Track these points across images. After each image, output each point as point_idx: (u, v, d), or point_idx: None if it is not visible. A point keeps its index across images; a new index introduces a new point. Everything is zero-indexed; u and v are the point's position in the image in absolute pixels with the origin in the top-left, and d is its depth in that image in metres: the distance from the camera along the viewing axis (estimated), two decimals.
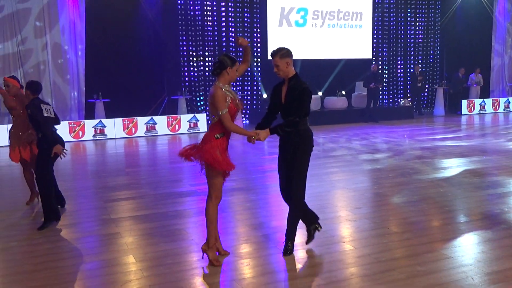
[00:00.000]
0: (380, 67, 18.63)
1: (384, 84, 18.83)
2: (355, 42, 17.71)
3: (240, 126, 4.60)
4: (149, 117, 14.08)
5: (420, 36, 19.28)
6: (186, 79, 15.62)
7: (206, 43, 15.70)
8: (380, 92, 18.33)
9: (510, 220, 5.55)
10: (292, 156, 4.46)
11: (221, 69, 4.31)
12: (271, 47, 16.29)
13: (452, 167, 8.63)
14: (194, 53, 15.55)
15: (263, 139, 4.40)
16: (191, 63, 15.58)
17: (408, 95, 18.94)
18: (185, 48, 15.46)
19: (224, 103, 4.23)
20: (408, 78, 18.99)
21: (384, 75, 18.86)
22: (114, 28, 14.66)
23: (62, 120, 13.62)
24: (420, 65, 18.90)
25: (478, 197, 6.45)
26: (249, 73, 16.50)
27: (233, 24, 16.02)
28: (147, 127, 13.97)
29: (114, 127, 13.62)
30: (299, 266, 4.41)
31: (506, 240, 4.92)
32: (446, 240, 4.95)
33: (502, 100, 19.46)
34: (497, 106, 19.18)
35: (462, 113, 18.20)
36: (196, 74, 15.69)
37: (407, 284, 3.97)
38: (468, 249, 4.66)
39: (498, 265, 4.30)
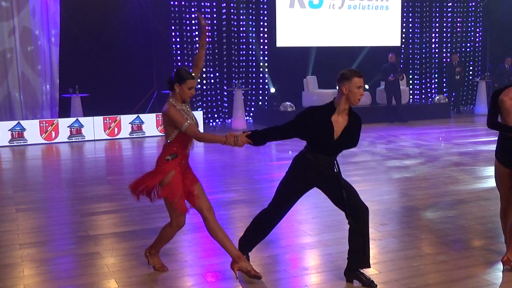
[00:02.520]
0: (410, 56, 18.62)
1: (416, 76, 18.80)
2: (380, 27, 17.70)
3: (208, 133, 4.84)
4: (135, 116, 14.12)
5: (458, 20, 19.25)
6: None
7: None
8: (410, 87, 18.32)
9: None
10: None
11: (170, 83, 4.51)
12: (281, 32, 16.39)
13: None
14: (189, 40, 15.58)
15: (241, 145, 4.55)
16: (185, 52, 15.61)
17: (444, 90, 18.89)
18: (178, 34, 15.49)
19: (181, 117, 4.41)
20: (444, 70, 18.96)
21: (416, 66, 18.85)
22: (94, 10, 14.73)
23: (32, 118, 13.76)
24: (458, 54, 18.86)
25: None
26: (254, 64, 16.53)
27: (235, 5, 16.04)
28: (132, 127, 14.00)
29: (93, 127, 13.66)
30: None
31: None
32: (489, 263, 4.93)
33: None
34: None
35: None
36: (191, 64, 15.69)
37: None
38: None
39: None
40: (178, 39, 15.53)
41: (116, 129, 13.84)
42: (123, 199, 7.64)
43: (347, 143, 4.44)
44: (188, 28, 15.56)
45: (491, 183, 8.09)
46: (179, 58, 15.61)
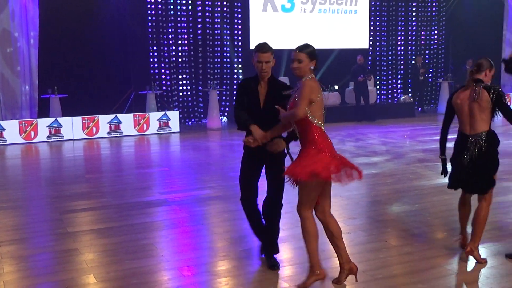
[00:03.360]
0: (377, 58, 18.80)
1: (382, 77, 18.98)
2: (349, 30, 17.83)
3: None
4: (113, 115, 13.99)
5: (423, 23, 19.48)
6: (156, 71, 15.56)
7: (179, 30, 15.67)
8: (378, 87, 18.50)
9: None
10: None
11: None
12: (254, 35, 16.40)
13: None
14: (166, 42, 15.48)
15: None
16: (162, 53, 15.52)
17: (409, 90, 19.11)
18: (155, 36, 15.39)
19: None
20: (409, 71, 19.17)
21: (383, 68, 19.03)
22: (72, 13, 14.53)
23: (11, 119, 13.54)
24: (422, 56, 19.09)
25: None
26: (228, 65, 16.51)
27: (210, 9, 15.99)
28: (110, 127, 13.88)
29: (72, 126, 13.50)
30: (285, 285, 4.43)
31: None
32: (451, 254, 5.01)
33: None
34: (509, 102, 19.50)
35: None
36: (167, 66, 15.64)
37: None
38: (475, 264, 4.72)
39: (509, 281, 4.37)
40: (155, 41, 15.43)
41: (94, 129, 13.69)
42: (101, 196, 7.58)
43: (271, 111, 4.30)
44: (165, 30, 15.46)
45: None
46: (155, 59, 15.51)
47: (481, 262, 4.62)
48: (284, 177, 4.40)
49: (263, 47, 4.45)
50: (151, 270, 4.77)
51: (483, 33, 19.52)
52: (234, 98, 4.62)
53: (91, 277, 4.62)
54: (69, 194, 7.72)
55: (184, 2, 15.63)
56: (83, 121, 13.57)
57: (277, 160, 4.55)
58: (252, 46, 16.41)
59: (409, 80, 19.19)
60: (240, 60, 16.55)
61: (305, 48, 4.15)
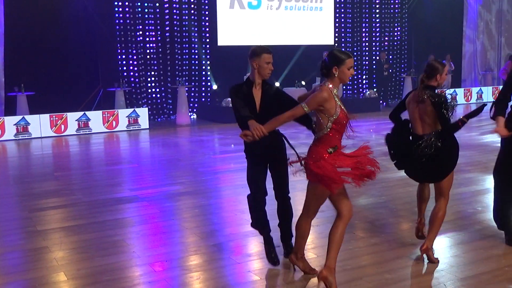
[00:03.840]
0: None
1: None
2: (315, 27, 17.91)
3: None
4: (81, 113, 13.78)
5: (386, 20, 19.71)
6: (124, 68, 15.37)
7: (147, 27, 15.50)
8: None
9: (484, 220, 5.76)
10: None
11: (326, 69, 4.05)
12: (222, 32, 16.35)
13: None
14: (134, 39, 15.30)
15: None
16: (130, 50, 15.33)
17: (374, 85, 19.33)
18: (122, 34, 15.19)
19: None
20: (374, 67, 19.39)
21: None
22: (39, 10, 14.24)
23: None
24: (386, 52, 19.33)
25: (450, 196, 6.66)
26: (197, 62, 16.41)
27: (177, 6, 15.86)
28: (79, 124, 13.66)
29: (40, 124, 13.24)
30: (256, 278, 4.42)
31: (480, 242, 5.11)
32: (417, 244, 5.08)
33: (475, 90, 20.20)
34: (469, 97, 19.90)
35: None
36: (136, 63, 15.46)
37: None
38: (440, 253, 4.80)
39: (472, 269, 4.45)
40: (122, 39, 15.23)
41: (62, 126, 13.45)
42: (71, 194, 7.45)
43: (268, 114, 4.23)
44: (132, 28, 15.27)
45: None
46: (123, 57, 15.31)
47: (433, 262, 4.60)
48: (287, 171, 4.47)
49: (267, 49, 4.45)
50: (122, 266, 4.71)
51: (444, 30, 19.88)
52: (231, 105, 4.45)
53: (61, 275, 4.53)
54: (38, 192, 7.57)
55: (151, 0, 15.46)
56: (51, 118, 13.32)
57: (279, 155, 4.53)
58: (220, 43, 16.38)
59: (374, 76, 19.41)
60: (208, 57, 16.48)
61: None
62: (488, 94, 20.11)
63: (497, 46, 21.91)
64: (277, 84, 16.89)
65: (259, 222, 4.69)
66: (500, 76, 21.13)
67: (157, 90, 15.99)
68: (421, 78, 4.68)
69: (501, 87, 20.35)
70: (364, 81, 19.74)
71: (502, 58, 21.83)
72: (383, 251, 4.94)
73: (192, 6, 16.13)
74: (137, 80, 15.58)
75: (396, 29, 19.94)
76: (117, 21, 15.07)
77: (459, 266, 4.47)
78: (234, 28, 16.51)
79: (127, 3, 15.13)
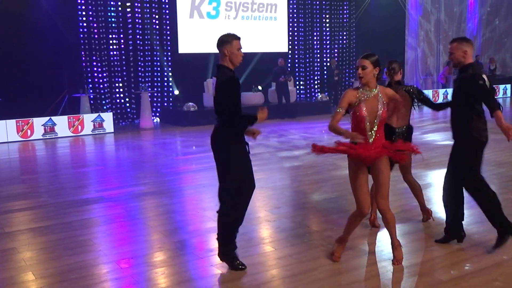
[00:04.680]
0: (296, 61, 19.10)
1: (301, 78, 19.31)
2: (270, 35, 17.99)
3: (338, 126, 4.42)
4: (47, 118, 13.43)
5: (335, 29, 19.98)
6: (89, 75, 15.06)
7: (111, 36, 15.24)
8: (297, 87, 18.81)
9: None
10: None
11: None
12: (182, 40, 16.24)
13: None
14: (98, 47, 15.02)
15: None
16: (94, 57, 15.05)
17: (325, 89, 19.56)
18: (86, 42, 14.89)
19: (341, 101, 4.34)
20: (325, 72, 19.63)
21: (301, 69, 19.36)
22: (2, 16, 13.79)
23: None
24: (336, 59, 19.60)
25: (396, 191, 6.80)
26: (159, 68, 16.24)
27: (140, 15, 15.67)
28: (45, 129, 13.31)
29: (6, 129, 12.84)
30: (217, 271, 4.41)
31: (422, 233, 5.25)
32: (366, 235, 5.18)
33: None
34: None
35: None
36: (100, 70, 15.18)
37: (329, 283, 4.11)
38: (387, 243, 4.88)
39: (416, 258, 4.57)
40: (87, 46, 14.92)
41: (29, 131, 13.09)
42: (38, 196, 7.26)
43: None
44: (96, 36, 14.98)
45: None
46: (88, 64, 15.01)
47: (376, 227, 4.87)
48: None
49: (236, 35, 4.48)
50: (89, 264, 4.62)
51: (388, 38, 20.32)
52: (230, 101, 4.26)
53: (30, 275, 4.41)
54: (5, 195, 7.33)
55: (114, 9, 15.21)
56: (17, 124, 12.93)
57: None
58: (181, 50, 16.28)
59: (325, 81, 19.64)
60: (169, 64, 16.34)
61: (370, 56, 4.27)
62: (429, 97, 20.60)
63: (436, 53, 22.53)
64: None
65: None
66: (439, 80, 21.78)
67: (121, 95, 15.74)
68: (389, 75, 5.21)
69: (440, 89, 20.87)
70: (316, 86, 19.96)
71: (441, 63, 22.48)
72: None
73: (154, 15, 15.96)
74: (101, 86, 15.30)
75: (344, 37, 20.24)
76: (81, 29, 14.75)
77: (405, 254, 4.57)
78: (194, 36, 16.41)
79: (90, 13, 14.85)
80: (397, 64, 5.30)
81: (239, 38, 4.44)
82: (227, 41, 4.37)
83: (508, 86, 22.22)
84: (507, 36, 24.16)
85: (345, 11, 20.05)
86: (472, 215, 5.63)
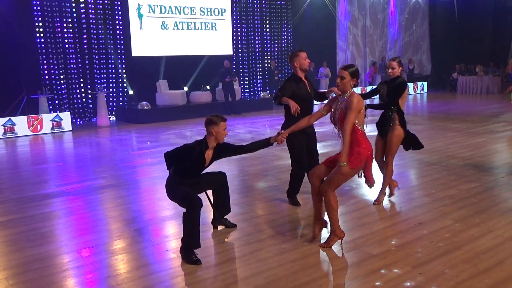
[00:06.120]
0: (240, 62, 19.09)
1: (245, 78, 19.32)
2: (216, 39, 17.86)
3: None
4: (7, 118, 12.82)
5: (275, 33, 20.09)
6: (47, 77, 14.47)
7: (66, 40, 14.69)
8: (242, 86, 18.82)
9: (358, 195, 6.08)
10: None
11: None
12: (135, 44, 15.89)
13: None
14: (54, 51, 14.44)
15: None
16: (51, 61, 14.46)
17: (267, 88, 19.67)
18: (43, 45, 14.28)
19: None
20: (266, 73, 19.72)
21: (245, 70, 19.37)
22: None
23: None
24: (276, 60, 19.74)
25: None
26: (113, 70, 15.80)
27: (94, 21, 15.17)
28: (5, 129, 12.70)
29: None
30: (173, 256, 4.36)
31: (355, 213, 5.38)
32: (305, 218, 5.26)
33: None
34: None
35: (315, 103, 19.41)
36: (57, 72, 14.60)
37: (275, 261, 4.15)
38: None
39: (350, 235, 4.68)
40: (44, 50, 14.31)
41: None
42: (0, 192, 6.92)
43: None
44: (53, 40, 14.39)
45: None
46: (45, 67, 14.42)
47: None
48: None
49: (223, 117, 4.62)
50: (51, 255, 4.46)
51: (321, 41, 20.65)
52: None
53: None
54: None
55: (69, 15, 14.64)
56: None
57: None
58: (134, 54, 15.91)
59: (267, 80, 19.74)
60: (123, 66, 15.95)
61: (349, 68, 4.30)
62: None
63: (363, 54, 23.10)
64: (185, 89, 16.74)
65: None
66: (366, 79, 22.35)
67: (78, 96, 15.22)
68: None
69: (368, 87, 21.40)
70: (258, 85, 20.03)
71: (367, 64, 23.08)
72: (280, 225, 5.05)
73: (108, 21, 15.49)
74: (59, 87, 14.74)
75: (283, 40, 20.38)
76: (37, 34, 14.13)
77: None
78: (146, 41, 16.08)
79: (46, 19, 14.24)
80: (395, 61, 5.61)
81: (226, 120, 4.58)
82: (215, 122, 4.49)
83: (425, 83, 23.13)
84: (423, 40, 25.11)
85: (283, 17, 20.18)
86: (397, 196, 5.83)
